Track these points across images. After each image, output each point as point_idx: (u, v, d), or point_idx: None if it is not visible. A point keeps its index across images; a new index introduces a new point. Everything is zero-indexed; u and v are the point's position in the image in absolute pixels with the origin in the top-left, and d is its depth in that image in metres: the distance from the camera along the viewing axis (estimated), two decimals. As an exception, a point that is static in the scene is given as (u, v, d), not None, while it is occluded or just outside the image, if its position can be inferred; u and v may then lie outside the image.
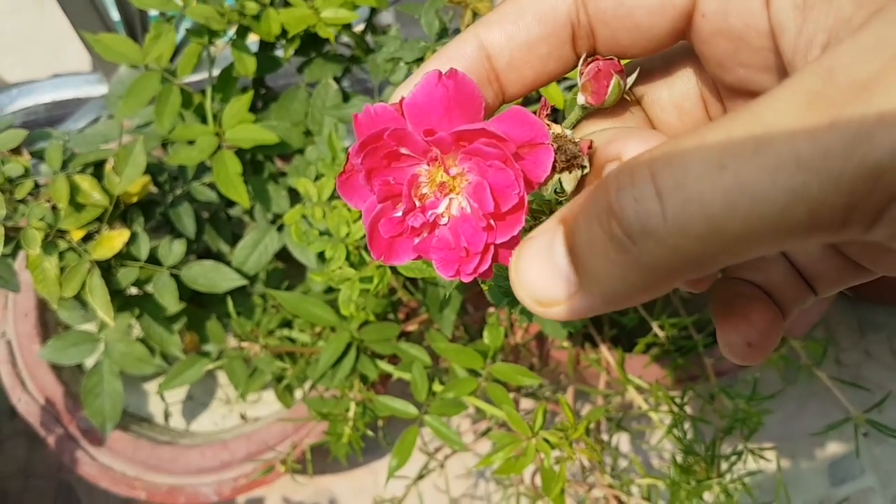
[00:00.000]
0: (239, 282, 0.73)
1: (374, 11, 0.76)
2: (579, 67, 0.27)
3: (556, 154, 0.25)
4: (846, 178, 0.17)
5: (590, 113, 0.28)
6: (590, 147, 0.26)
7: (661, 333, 0.78)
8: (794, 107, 0.17)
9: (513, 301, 0.48)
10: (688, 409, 0.74)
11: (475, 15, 0.61)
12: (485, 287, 0.42)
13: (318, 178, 0.72)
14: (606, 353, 0.80)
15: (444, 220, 0.26)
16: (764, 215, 0.17)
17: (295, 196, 0.77)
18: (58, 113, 1.06)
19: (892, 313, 1.12)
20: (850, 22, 0.19)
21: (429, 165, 0.26)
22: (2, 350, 0.90)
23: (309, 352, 0.78)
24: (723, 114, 0.28)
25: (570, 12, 0.26)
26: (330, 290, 0.80)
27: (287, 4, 0.71)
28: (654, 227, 0.18)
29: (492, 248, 0.25)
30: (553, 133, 0.25)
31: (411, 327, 0.81)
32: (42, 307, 0.91)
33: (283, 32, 0.69)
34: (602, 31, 0.26)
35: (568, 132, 0.26)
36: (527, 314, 0.56)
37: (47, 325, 0.92)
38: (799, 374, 0.79)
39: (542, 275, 0.21)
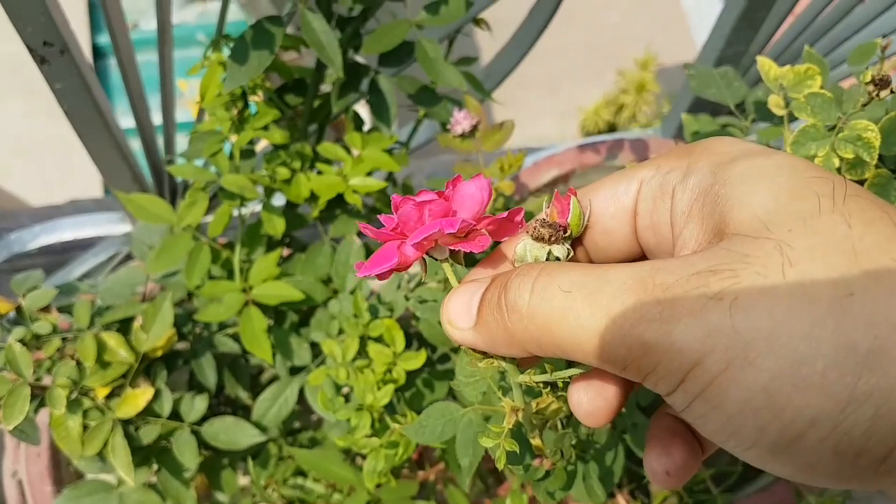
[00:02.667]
0: (259, 438, 0.73)
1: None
2: (544, 210, 0.34)
3: (542, 230, 0.32)
4: (627, 340, 0.25)
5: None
6: (575, 193, 0.33)
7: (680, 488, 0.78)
8: (626, 278, 0.26)
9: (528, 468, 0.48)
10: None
11: (497, 193, 0.63)
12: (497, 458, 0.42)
13: (340, 332, 0.73)
14: (624, 506, 0.79)
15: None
16: (577, 334, 0.26)
17: (316, 346, 0.78)
18: (76, 243, 1.08)
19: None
20: (704, 241, 0.28)
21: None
22: (13, 491, 0.89)
23: (325, 507, 0.77)
24: None
25: None
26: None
27: (313, 167, 0.74)
28: (518, 307, 0.28)
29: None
30: (535, 218, 0.33)
31: (428, 475, 0.81)
32: (55, 448, 0.90)
33: (312, 195, 0.71)
34: (586, 238, 0.34)
35: (544, 215, 0.33)
36: (551, 495, 0.56)
37: (59, 465, 0.91)
38: None
39: (459, 308, 0.31)
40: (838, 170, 0.54)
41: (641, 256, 0.34)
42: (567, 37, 2.16)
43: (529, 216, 0.37)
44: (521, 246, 0.32)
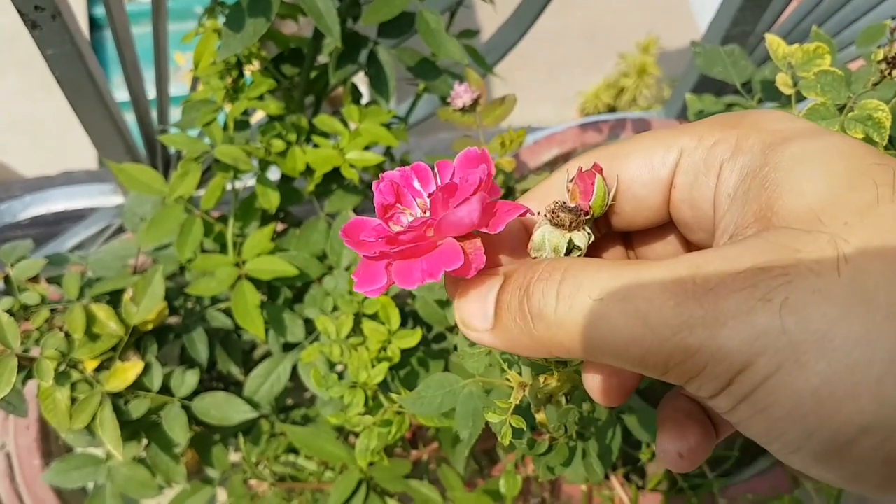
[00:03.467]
0: (251, 414, 0.72)
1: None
2: (566, 186, 0.31)
3: (562, 216, 0.30)
4: (668, 346, 0.23)
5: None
6: (600, 171, 0.30)
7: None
8: (663, 279, 0.24)
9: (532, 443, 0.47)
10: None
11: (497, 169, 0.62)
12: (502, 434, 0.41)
13: (334, 309, 0.72)
14: (619, 489, 0.78)
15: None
16: (612, 342, 0.24)
17: (310, 323, 0.77)
18: (67, 214, 1.06)
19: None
20: (749, 228, 0.25)
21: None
22: (1, 463, 0.88)
23: (316, 487, 0.76)
24: None
25: None
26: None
27: (309, 140, 0.72)
28: (546, 315, 0.26)
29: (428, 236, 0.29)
30: (554, 201, 0.30)
31: (422, 455, 0.80)
32: (44, 421, 0.89)
33: (308, 169, 0.70)
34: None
35: (566, 199, 0.31)
36: (550, 470, 0.55)
37: (48, 438, 0.90)
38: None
39: (473, 309, 0.29)
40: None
41: (667, 223, 0.32)
42: (568, 20, 2.14)
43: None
44: (539, 234, 0.30)
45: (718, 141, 0.28)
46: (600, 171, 0.30)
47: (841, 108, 0.54)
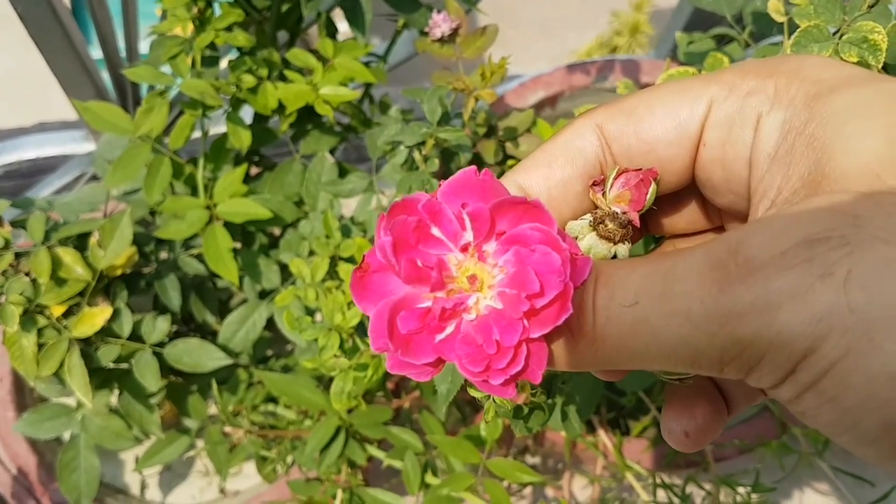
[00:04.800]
0: (225, 361, 0.70)
1: (371, 84, 0.74)
2: (609, 181, 0.27)
3: (611, 228, 0.27)
4: (718, 341, 0.20)
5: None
6: (656, 176, 0.27)
7: (659, 416, 0.76)
8: (700, 267, 0.21)
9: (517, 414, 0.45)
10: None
11: (477, 101, 0.59)
12: (486, 410, 0.39)
13: (311, 254, 0.69)
14: (604, 436, 0.77)
15: (470, 317, 0.23)
16: (657, 346, 0.21)
17: (286, 269, 0.75)
18: (41, 165, 1.03)
19: None
20: (795, 194, 0.22)
21: (461, 253, 0.24)
22: (-27, 417, 0.86)
23: (294, 434, 0.75)
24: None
25: (596, 152, 0.28)
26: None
27: (283, 78, 0.69)
28: (585, 332, 0.23)
29: (524, 344, 0.23)
30: (601, 210, 0.27)
31: (403, 403, 0.79)
32: (17, 374, 0.87)
33: (281, 107, 0.67)
34: (629, 167, 0.27)
35: (616, 208, 0.27)
36: (528, 429, 0.53)
37: (22, 391, 0.88)
38: (799, 462, 0.77)
39: None
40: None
41: (691, 186, 0.29)
42: (560, -25, 2.09)
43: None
44: (585, 245, 0.27)
45: (753, 90, 0.25)
46: (656, 177, 0.27)
47: (835, 34, 0.51)
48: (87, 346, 0.68)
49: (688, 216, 0.31)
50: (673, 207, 0.31)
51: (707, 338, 0.20)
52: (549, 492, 0.86)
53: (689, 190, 0.29)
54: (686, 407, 0.28)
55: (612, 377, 0.29)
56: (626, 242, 0.27)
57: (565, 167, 0.28)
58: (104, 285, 0.69)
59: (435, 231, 0.24)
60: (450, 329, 0.23)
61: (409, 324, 0.23)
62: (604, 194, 0.27)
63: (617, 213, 0.27)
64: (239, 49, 0.67)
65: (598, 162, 0.28)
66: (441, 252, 0.24)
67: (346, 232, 0.68)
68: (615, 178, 0.27)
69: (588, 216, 0.28)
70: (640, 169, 0.27)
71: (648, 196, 0.27)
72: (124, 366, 0.70)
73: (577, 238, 0.28)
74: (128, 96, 0.86)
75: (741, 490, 0.72)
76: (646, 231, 0.32)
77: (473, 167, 0.24)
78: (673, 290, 0.21)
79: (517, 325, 0.22)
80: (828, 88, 0.23)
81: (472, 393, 0.36)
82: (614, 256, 0.27)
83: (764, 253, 0.20)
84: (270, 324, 0.78)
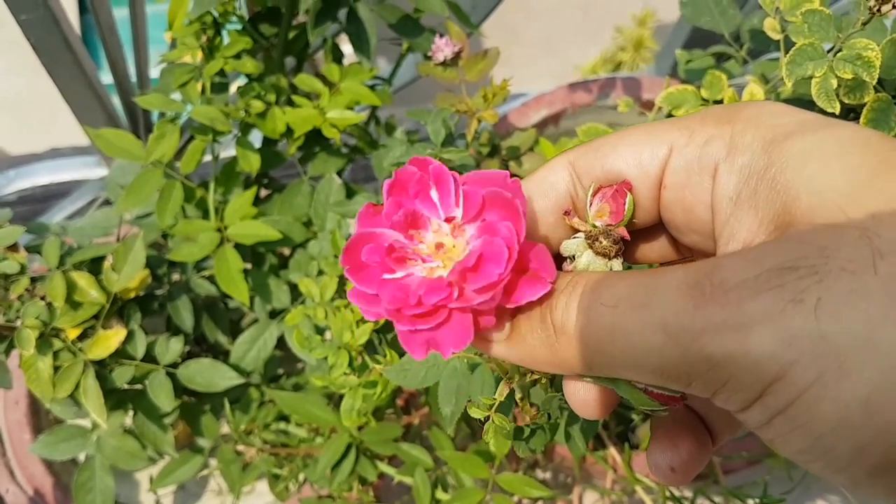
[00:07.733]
0: (237, 380, 0.71)
1: (376, 106, 0.76)
2: (588, 199, 0.29)
3: (606, 245, 0.28)
4: (689, 355, 0.21)
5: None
6: (630, 188, 0.28)
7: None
8: (679, 283, 0.22)
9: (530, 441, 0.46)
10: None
11: (480, 122, 0.61)
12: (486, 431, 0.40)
13: (320, 273, 0.71)
14: (613, 449, 0.78)
15: (420, 275, 0.26)
16: (631, 352, 0.23)
17: (296, 289, 0.76)
18: (55, 190, 1.05)
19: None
20: (769, 235, 0.23)
21: (445, 224, 0.27)
22: (-10, 439, 0.88)
23: (306, 452, 0.75)
24: None
25: (568, 187, 0.30)
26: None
27: (290, 103, 0.71)
28: (567, 329, 0.24)
29: (446, 309, 0.25)
30: (595, 226, 0.29)
31: (413, 419, 0.80)
32: (33, 395, 0.89)
33: (289, 130, 0.69)
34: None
35: (598, 222, 0.29)
36: (531, 451, 0.54)
37: (38, 413, 0.89)
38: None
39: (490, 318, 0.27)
40: (836, 93, 0.51)
41: (656, 224, 0.30)
42: (561, -8, 2.11)
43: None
44: (584, 262, 0.28)
45: (711, 138, 0.26)
46: (630, 188, 0.28)
47: (829, 51, 0.52)
48: (102, 368, 0.69)
49: (659, 250, 0.32)
50: (645, 241, 0.32)
51: (679, 350, 0.21)
52: (560, 506, 0.86)
53: (659, 227, 0.30)
54: (671, 440, 0.29)
55: (594, 412, 0.29)
56: (620, 257, 0.28)
57: (538, 200, 0.30)
58: (118, 308, 0.71)
59: (433, 193, 0.26)
60: (398, 274, 0.26)
61: (370, 255, 0.26)
62: (584, 218, 0.29)
63: (609, 231, 0.28)
64: (247, 75, 0.69)
65: (569, 196, 0.30)
66: (429, 213, 0.27)
67: (354, 252, 0.69)
68: (592, 196, 0.29)
69: (581, 235, 0.29)
70: (613, 185, 0.28)
71: (627, 206, 0.28)
72: (138, 386, 0.72)
73: (574, 256, 0.29)
74: (139, 121, 0.88)
75: (750, 502, 0.72)
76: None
77: (507, 171, 0.27)
78: (652, 302, 0.22)
79: (443, 289, 0.25)
80: (783, 134, 0.24)
81: (473, 414, 0.37)
82: (611, 270, 0.28)
83: (737, 276, 0.21)
84: (281, 343, 0.79)
